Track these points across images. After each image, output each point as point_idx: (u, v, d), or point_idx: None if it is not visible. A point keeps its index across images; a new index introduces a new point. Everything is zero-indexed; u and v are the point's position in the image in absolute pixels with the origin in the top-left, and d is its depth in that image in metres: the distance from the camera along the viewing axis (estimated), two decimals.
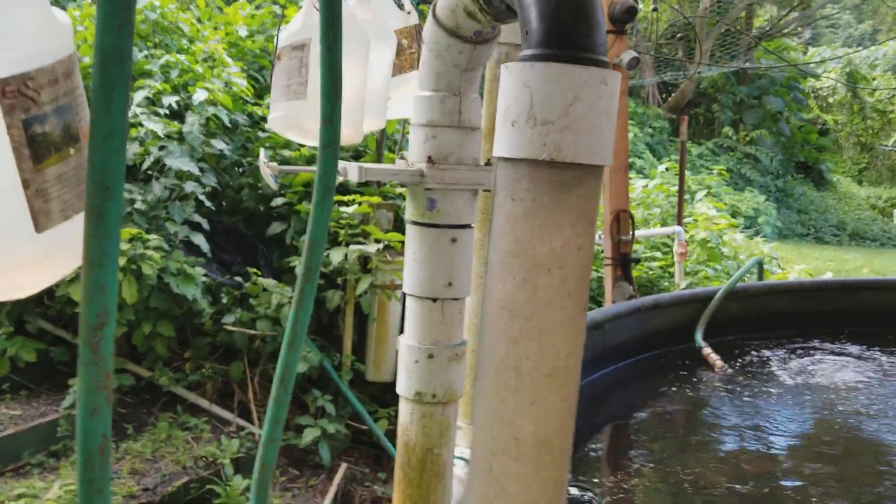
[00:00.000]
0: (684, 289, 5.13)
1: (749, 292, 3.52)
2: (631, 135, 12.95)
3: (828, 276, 7.40)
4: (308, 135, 1.77)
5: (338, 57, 1.08)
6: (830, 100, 22.90)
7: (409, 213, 1.45)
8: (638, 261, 4.87)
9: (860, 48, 22.65)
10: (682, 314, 3.36)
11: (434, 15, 1.33)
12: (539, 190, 1.02)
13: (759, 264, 3.75)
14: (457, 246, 1.42)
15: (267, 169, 1.29)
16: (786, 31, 19.47)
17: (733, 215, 8.27)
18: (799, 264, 7.12)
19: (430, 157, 1.39)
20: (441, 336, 1.43)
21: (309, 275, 1.17)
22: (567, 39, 1.03)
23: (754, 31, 17.45)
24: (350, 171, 1.38)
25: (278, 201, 4.47)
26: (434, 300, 1.42)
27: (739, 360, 3.24)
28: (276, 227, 4.53)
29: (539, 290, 1.02)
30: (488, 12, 1.23)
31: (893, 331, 3.51)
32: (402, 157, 1.49)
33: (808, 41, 24.80)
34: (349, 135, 1.84)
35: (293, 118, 1.74)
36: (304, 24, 1.77)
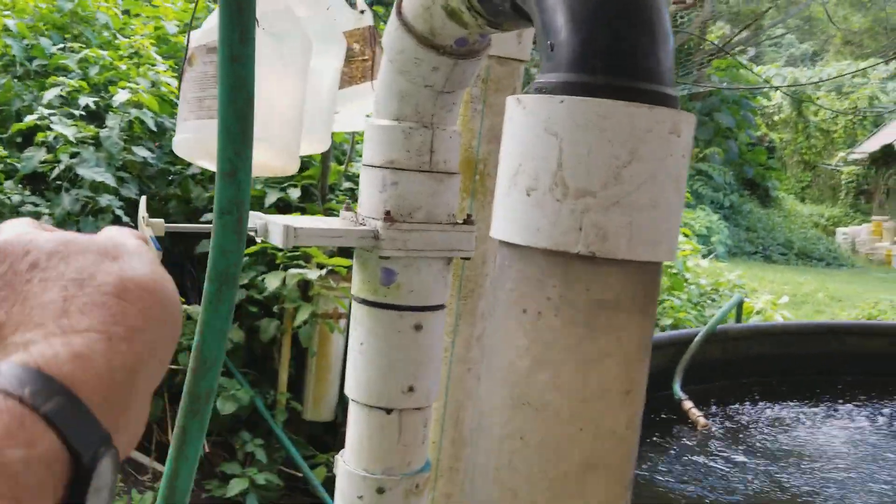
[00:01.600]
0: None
1: (730, 335, 3.21)
2: None
3: (784, 300, 7.22)
4: None
5: (248, 73, 0.67)
6: (776, 118, 23.37)
7: (356, 288, 1.04)
8: None
9: (805, 67, 23.06)
10: (660, 358, 3.03)
11: (399, 14, 0.93)
12: (570, 301, 0.62)
13: (739, 304, 3.46)
14: (422, 335, 1.02)
15: (147, 228, 0.87)
16: (735, 49, 19.62)
17: (686, 235, 8.10)
18: (763, 292, 6.91)
19: (388, 213, 0.98)
20: (396, 461, 1.03)
21: (196, 408, 0.76)
22: (621, 60, 0.62)
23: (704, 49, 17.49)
24: (272, 232, 0.96)
25: (210, 216, 4.01)
26: (388, 411, 1.02)
27: (724, 416, 2.92)
28: (206, 245, 4.06)
29: (562, 465, 0.62)
30: (481, 13, 0.83)
31: (883, 378, 3.26)
32: (348, 208, 1.09)
33: (752, 58, 25.28)
34: (280, 165, 1.43)
35: (206, 141, 1.33)
36: None
